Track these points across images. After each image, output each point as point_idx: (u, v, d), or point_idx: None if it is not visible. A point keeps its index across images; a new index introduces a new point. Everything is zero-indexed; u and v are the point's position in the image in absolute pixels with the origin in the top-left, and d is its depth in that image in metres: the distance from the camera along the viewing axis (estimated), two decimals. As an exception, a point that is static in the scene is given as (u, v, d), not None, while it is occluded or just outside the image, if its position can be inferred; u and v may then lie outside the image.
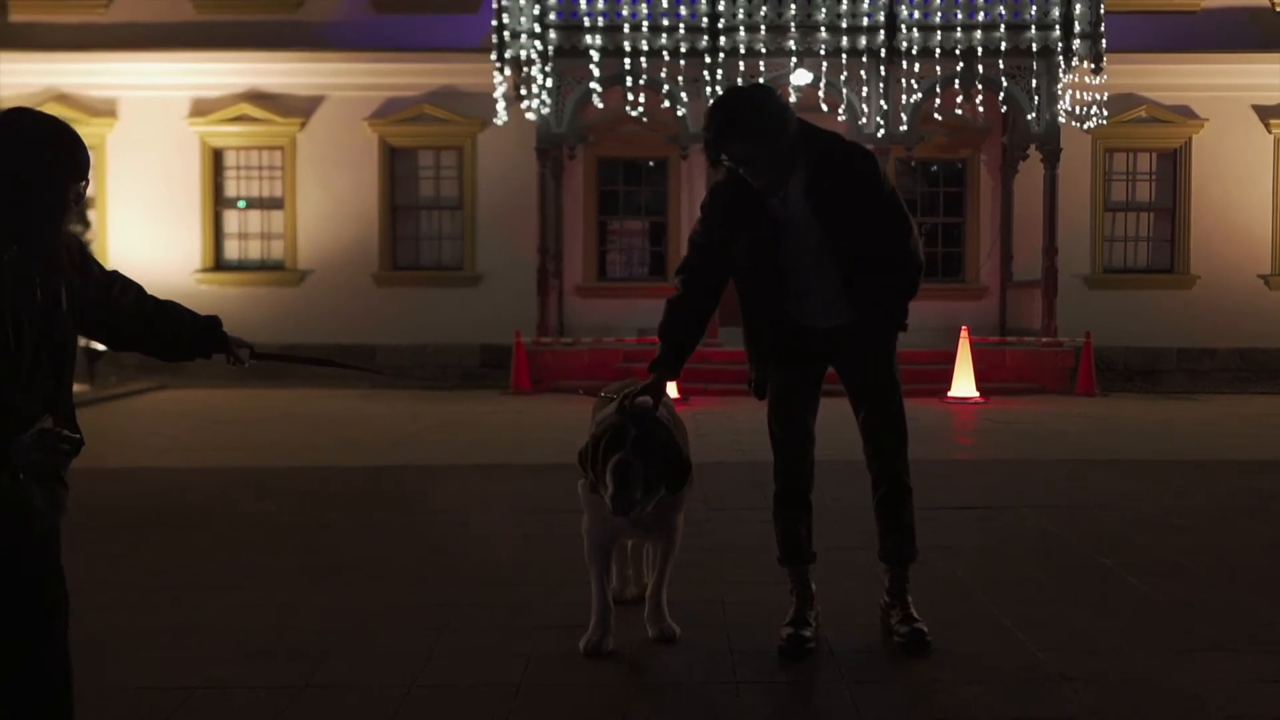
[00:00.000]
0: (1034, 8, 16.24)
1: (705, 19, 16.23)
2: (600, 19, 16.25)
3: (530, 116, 16.75)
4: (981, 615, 4.86)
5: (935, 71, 16.47)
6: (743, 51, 16.30)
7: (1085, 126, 17.28)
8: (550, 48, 16.32)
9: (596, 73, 16.33)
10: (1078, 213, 18.28)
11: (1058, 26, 16.21)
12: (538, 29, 16.25)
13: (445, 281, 18.73)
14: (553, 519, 6.85)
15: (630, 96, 16.58)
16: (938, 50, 16.30)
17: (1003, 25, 16.22)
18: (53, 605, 2.87)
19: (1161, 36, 18.12)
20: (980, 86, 16.66)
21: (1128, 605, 5.03)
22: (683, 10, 16.25)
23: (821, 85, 16.41)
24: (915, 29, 16.28)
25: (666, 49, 16.28)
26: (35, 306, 2.73)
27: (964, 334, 15.52)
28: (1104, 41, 16.32)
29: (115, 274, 3.17)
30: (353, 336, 18.28)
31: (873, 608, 4.68)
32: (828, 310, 4.40)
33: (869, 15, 16.25)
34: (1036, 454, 10.32)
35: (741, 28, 16.25)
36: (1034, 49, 16.31)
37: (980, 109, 17.03)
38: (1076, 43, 16.24)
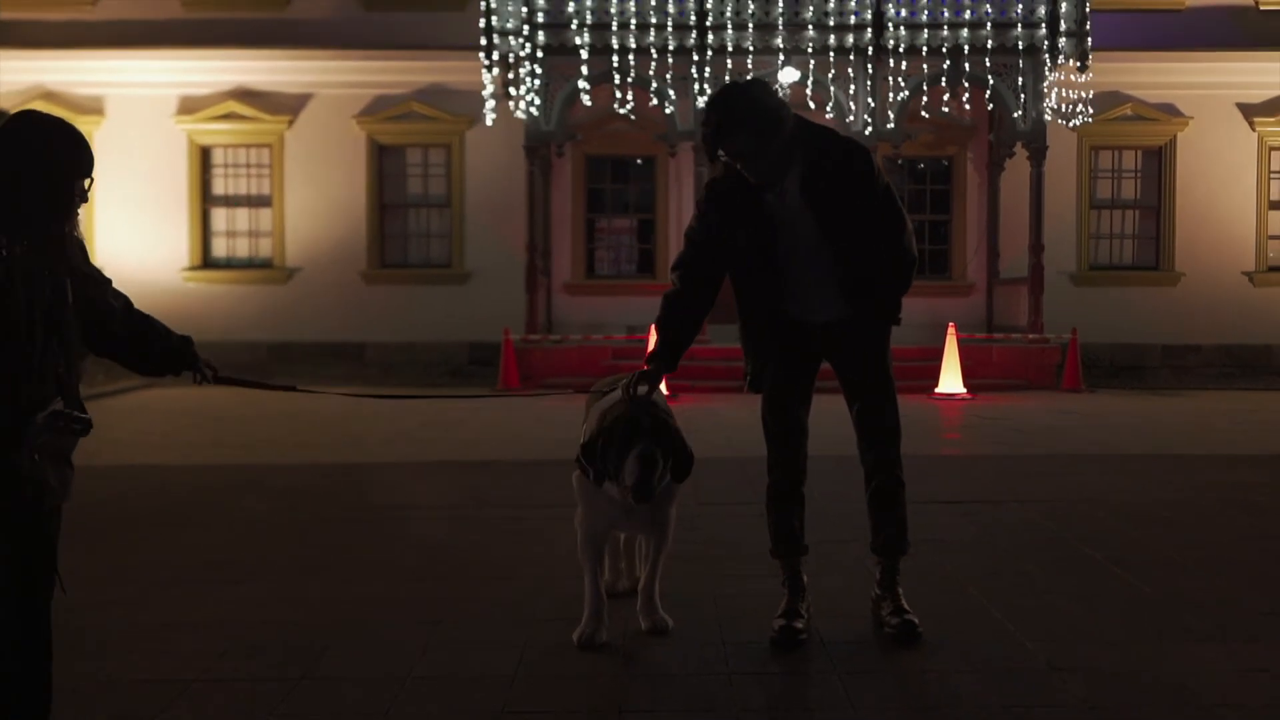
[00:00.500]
0: (1020, 6, 16.32)
1: (693, 17, 16.27)
2: (588, 17, 16.26)
3: (519, 114, 16.77)
4: (972, 607, 4.90)
5: (922, 69, 16.53)
6: (730, 49, 16.34)
7: (1071, 124, 17.37)
8: (538, 46, 16.33)
9: (585, 70, 16.35)
10: (1064, 210, 18.38)
11: (1044, 25, 16.30)
12: (526, 27, 16.27)
13: (433, 279, 18.73)
14: (545, 513, 6.87)
15: (618, 94, 16.61)
16: (925, 48, 16.37)
17: (989, 23, 16.30)
18: (47, 582, 3.07)
19: (1146, 35, 18.22)
20: (967, 84, 16.74)
21: (1117, 597, 5.07)
22: (671, 8, 16.28)
23: (809, 83, 16.45)
24: (902, 27, 16.34)
25: (655, 47, 16.31)
26: (45, 297, 2.93)
27: (951, 330, 15.59)
28: (1090, 39, 16.41)
29: (110, 280, 3.35)
30: (341, 334, 18.28)
31: (864, 600, 4.71)
32: (823, 305, 4.43)
33: (856, 13, 16.31)
34: (1025, 449, 10.37)
35: (729, 25, 16.29)
36: (1020, 47, 16.39)
37: (967, 107, 17.10)
38: (1062, 41, 16.33)
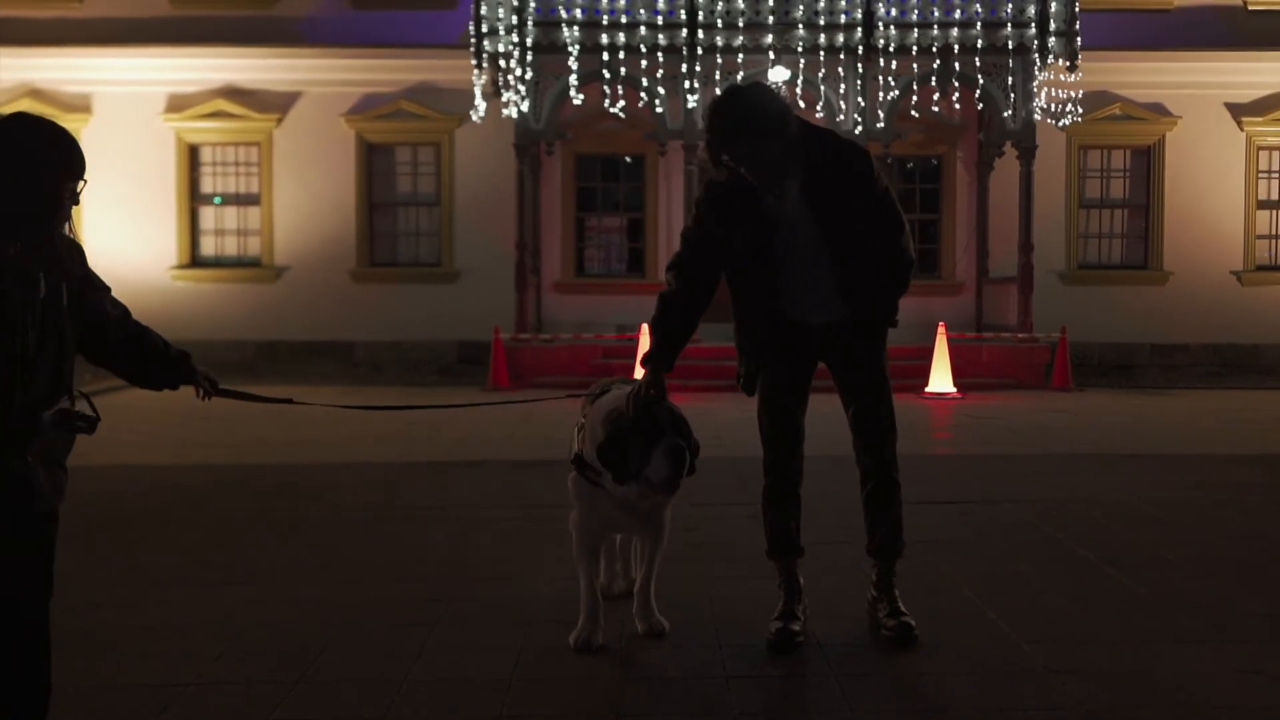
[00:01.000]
0: (1010, 5, 16.35)
1: (683, 15, 16.25)
2: (578, 15, 16.24)
3: (508, 112, 16.73)
4: (968, 608, 4.90)
5: (912, 69, 16.56)
6: (720, 48, 16.33)
7: (1060, 124, 17.41)
8: (528, 44, 16.30)
9: (575, 69, 16.33)
10: (1053, 209, 18.42)
11: (1033, 24, 16.34)
12: (516, 25, 16.23)
13: (423, 278, 18.70)
14: (538, 514, 6.86)
15: (608, 92, 16.59)
16: (914, 47, 16.40)
17: (979, 23, 16.33)
18: (45, 584, 3.07)
19: (1135, 34, 18.28)
20: (957, 84, 16.75)
21: (1112, 598, 5.08)
22: (661, 7, 16.27)
23: (799, 82, 16.46)
24: (892, 26, 16.35)
25: (645, 45, 16.30)
26: (39, 299, 2.93)
27: (941, 330, 15.61)
28: (1079, 39, 16.46)
29: (109, 287, 3.34)
30: (330, 333, 18.23)
31: (860, 601, 4.72)
32: (821, 306, 4.42)
33: (846, 13, 16.31)
34: (1016, 449, 10.39)
35: (719, 24, 16.28)
36: (1010, 46, 16.42)
37: (957, 106, 17.11)
38: (1052, 40, 16.37)
